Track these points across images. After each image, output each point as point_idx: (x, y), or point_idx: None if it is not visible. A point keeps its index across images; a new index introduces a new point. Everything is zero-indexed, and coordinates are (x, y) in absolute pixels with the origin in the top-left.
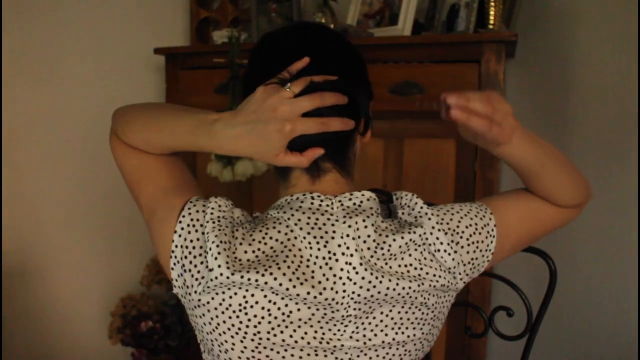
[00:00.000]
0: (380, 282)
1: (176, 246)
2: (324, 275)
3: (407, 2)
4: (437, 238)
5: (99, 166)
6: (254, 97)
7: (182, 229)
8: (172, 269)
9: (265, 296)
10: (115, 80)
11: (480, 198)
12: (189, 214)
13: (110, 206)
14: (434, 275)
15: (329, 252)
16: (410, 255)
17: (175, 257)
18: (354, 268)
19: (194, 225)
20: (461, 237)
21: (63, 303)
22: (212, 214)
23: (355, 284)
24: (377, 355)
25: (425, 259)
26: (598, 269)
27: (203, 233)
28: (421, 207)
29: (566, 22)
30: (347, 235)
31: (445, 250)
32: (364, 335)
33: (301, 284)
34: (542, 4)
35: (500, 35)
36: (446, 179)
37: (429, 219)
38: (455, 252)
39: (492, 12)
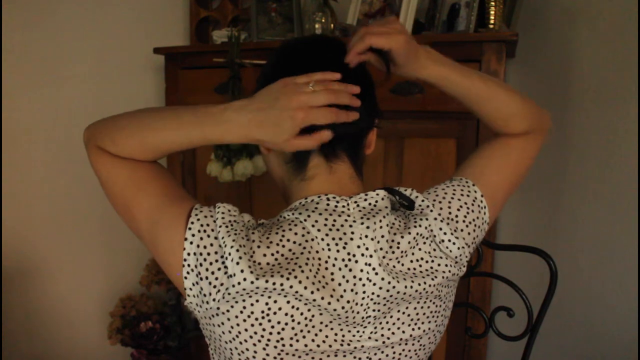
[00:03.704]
0: (398, 281)
1: (189, 254)
2: (343, 277)
3: (408, 2)
4: (441, 229)
5: None
6: (272, 87)
7: (193, 235)
8: (186, 278)
9: (288, 302)
10: (115, 80)
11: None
12: (198, 219)
13: (110, 206)
14: (446, 266)
15: (349, 253)
16: (420, 249)
17: (189, 265)
18: (374, 269)
19: (205, 231)
20: (457, 222)
21: (63, 303)
22: (222, 218)
23: (374, 284)
24: (394, 352)
25: (434, 250)
26: (598, 269)
27: (216, 238)
28: (422, 200)
29: (566, 22)
30: (366, 236)
31: (449, 240)
32: (382, 335)
33: (323, 287)
34: (543, 3)
35: (500, 35)
36: (446, 178)
37: (431, 210)
38: (457, 238)
39: (492, 12)
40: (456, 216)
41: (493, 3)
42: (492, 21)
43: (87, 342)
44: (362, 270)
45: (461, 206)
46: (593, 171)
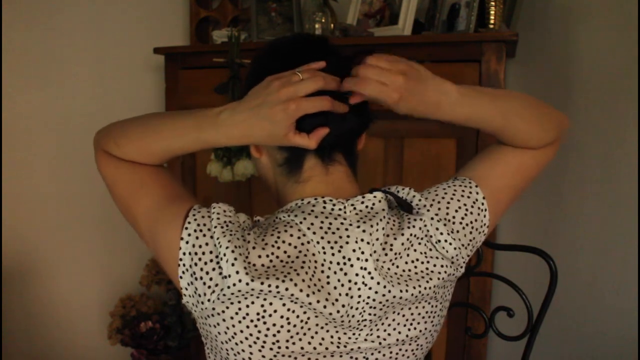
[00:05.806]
0: (393, 286)
1: (184, 253)
2: (338, 280)
3: (408, 2)
4: (437, 229)
5: None
6: (259, 86)
7: (189, 235)
8: (181, 277)
9: (284, 305)
10: (115, 80)
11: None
12: (195, 219)
13: (109, 206)
14: (442, 267)
15: (344, 257)
16: (415, 250)
17: (184, 264)
18: (369, 273)
19: (201, 231)
20: (454, 224)
21: (63, 303)
22: (218, 219)
23: (370, 289)
24: (391, 352)
25: (430, 250)
26: (598, 269)
27: (212, 237)
28: (419, 200)
29: (566, 22)
30: (362, 240)
31: (446, 241)
32: (378, 336)
33: (318, 290)
34: (543, 3)
35: (500, 35)
36: (446, 178)
37: (428, 210)
38: (454, 239)
39: (492, 12)
40: (453, 217)
41: (493, 3)
42: (492, 21)
43: (87, 342)
44: (357, 275)
45: (459, 207)
46: (593, 171)
